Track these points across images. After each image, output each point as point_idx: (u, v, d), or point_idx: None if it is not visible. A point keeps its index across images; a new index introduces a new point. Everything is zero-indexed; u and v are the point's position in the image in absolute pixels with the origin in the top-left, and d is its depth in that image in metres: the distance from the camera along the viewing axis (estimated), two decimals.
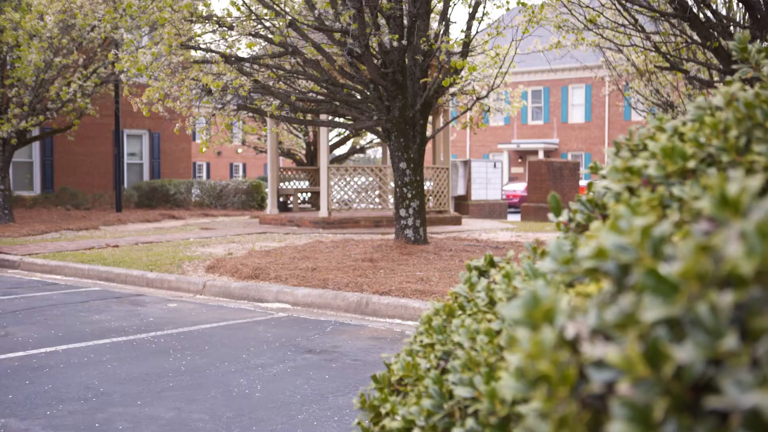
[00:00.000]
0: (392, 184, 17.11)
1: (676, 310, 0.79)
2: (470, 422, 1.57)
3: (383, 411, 2.02)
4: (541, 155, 44.01)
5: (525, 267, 1.75)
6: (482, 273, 2.33)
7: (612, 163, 1.77)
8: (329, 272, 8.77)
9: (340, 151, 27.48)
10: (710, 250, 0.81)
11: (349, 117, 10.60)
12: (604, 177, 1.97)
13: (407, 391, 2.04)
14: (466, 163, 23.26)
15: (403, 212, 10.74)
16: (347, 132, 24.56)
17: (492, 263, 2.33)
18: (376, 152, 56.68)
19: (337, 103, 10.23)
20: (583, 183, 25.25)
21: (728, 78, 1.81)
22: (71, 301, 8.20)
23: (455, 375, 1.71)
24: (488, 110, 11.68)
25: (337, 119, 12.44)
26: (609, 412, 0.84)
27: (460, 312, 2.07)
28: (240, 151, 54.42)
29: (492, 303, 1.97)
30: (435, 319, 2.12)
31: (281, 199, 19.09)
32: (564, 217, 1.84)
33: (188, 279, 9.08)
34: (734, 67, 1.93)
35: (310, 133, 24.24)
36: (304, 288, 8.14)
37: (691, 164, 1.40)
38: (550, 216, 1.88)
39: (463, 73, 10.46)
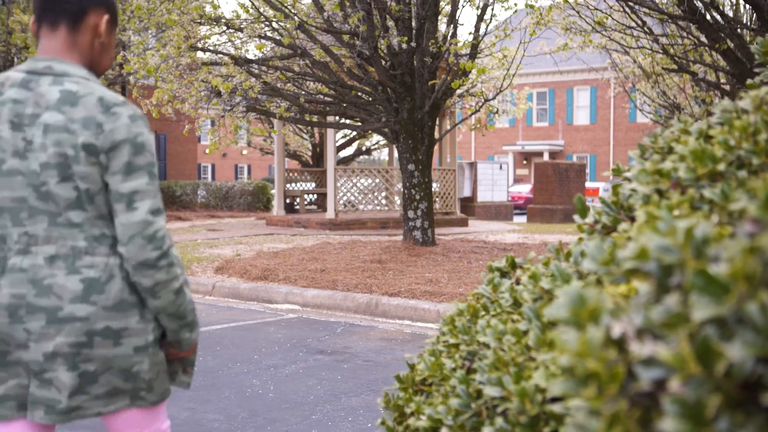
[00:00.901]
0: (398, 186, 17.13)
1: (726, 309, 0.81)
2: (499, 421, 1.59)
3: (408, 411, 2.04)
4: (546, 157, 44.01)
5: (552, 268, 1.77)
6: (504, 274, 2.35)
7: (639, 165, 1.79)
8: (338, 273, 8.79)
9: (345, 153, 27.54)
10: (758, 251, 0.83)
11: (358, 119, 10.63)
12: (626, 179, 1.99)
13: (431, 391, 2.06)
14: (472, 165, 23.28)
15: (411, 214, 10.76)
16: (353, 134, 24.61)
17: (513, 265, 2.35)
18: (381, 154, 56.78)
19: (345, 105, 10.26)
20: (589, 185, 25.25)
21: (749, 81, 1.82)
22: None
23: (483, 375, 1.73)
24: (497, 112, 11.70)
25: (345, 121, 12.47)
26: (658, 408, 0.86)
27: (483, 313, 2.09)
28: (245, 152, 54.57)
29: (516, 304, 1.99)
30: (458, 319, 2.14)
31: (287, 201, 19.13)
32: (589, 218, 1.86)
33: (197, 280, 9.11)
34: (756, 69, 1.94)
35: (316, 135, 24.29)
36: (314, 289, 8.17)
37: (721, 167, 1.42)
38: (576, 218, 1.90)
39: (472, 75, 10.48)
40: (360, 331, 6.69)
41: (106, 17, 1.93)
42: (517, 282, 2.23)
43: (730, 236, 1.17)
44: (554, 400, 1.59)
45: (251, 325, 7.00)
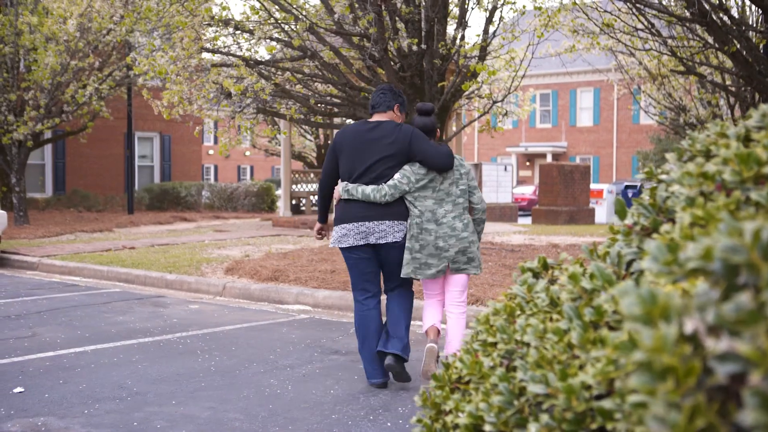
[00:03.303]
0: None
1: None
2: (545, 418, 1.63)
3: (446, 408, 2.07)
4: (549, 158, 44.03)
5: (593, 269, 1.80)
6: (536, 274, 2.39)
7: (679, 168, 1.82)
8: (348, 274, 8.82)
9: None
10: None
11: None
12: (660, 181, 2.03)
13: (468, 389, 2.09)
14: (477, 167, 23.31)
15: None
16: None
17: (545, 265, 2.39)
18: None
19: (355, 107, 10.29)
20: (593, 186, 25.24)
21: None
22: (93, 302, 8.28)
23: (525, 372, 1.77)
24: (506, 114, 11.74)
25: (353, 122, 12.50)
26: (735, 401, 0.90)
27: (519, 312, 2.13)
28: (248, 153, 54.60)
29: (553, 303, 2.03)
30: (494, 319, 2.18)
31: (293, 202, 19.17)
32: (629, 220, 1.89)
33: (208, 281, 9.15)
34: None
35: (321, 136, 24.33)
36: (325, 290, 8.20)
37: (767, 170, 1.46)
38: (615, 219, 1.94)
39: (481, 77, 10.51)
40: None
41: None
42: (552, 282, 2.27)
43: None
44: (599, 397, 1.63)
45: (264, 325, 7.04)
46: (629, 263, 1.88)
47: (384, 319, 5.14)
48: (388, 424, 4.14)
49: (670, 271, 1.15)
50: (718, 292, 1.01)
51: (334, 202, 5.05)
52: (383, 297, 5.56)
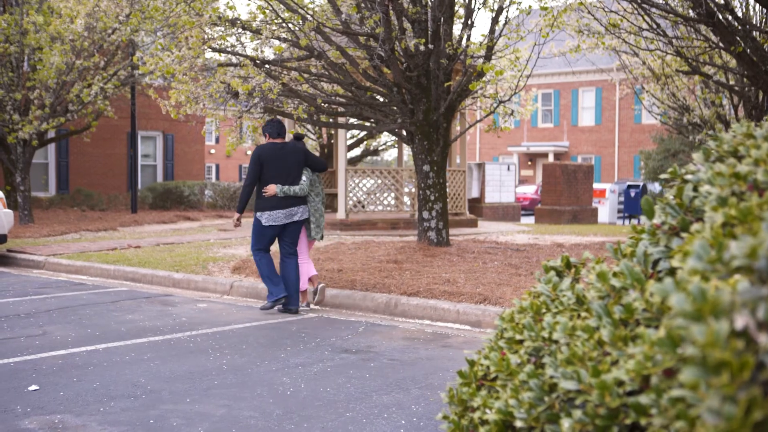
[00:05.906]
0: (408, 187, 17.19)
1: None
2: (578, 414, 1.66)
3: (474, 405, 2.10)
4: (551, 158, 44.05)
5: (622, 267, 1.83)
6: (559, 273, 2.42)
7: (707, 168, 1.85)
8: (355, 273, 8.86)
9: (352, 153, 27.58)
10: None
11: (373, 120, 10.70)
12: (686, 181, 2.06)
13: (494, 386, 2.12)
14: (480, 166, 23.34)
15: (426, 214, 10.82)
16: (361, 134, 24.68)
17: (568, 264, 2.41)
18: (385, 154, 56.72)
19: (361, 106, 10.32)
20: (596, 186, 25.28)
21: None
22: (101, 301, 8.31)
23: (555, 369, 1.79)
24: (512, 113, 11.78)
25: (358, 121, 12.54)
26: None
27: (544, 310, 2.16)
28: (249, 152, 54.57)
29: (579, 301, 2.06)
30: (520, 317, 2.20)
31: None
32: (657, 219, 1.92)
33: (215, 280, 9.18)
34: None
35: (324, 136, 24.36)
36: (333, 289, 8.23)
37: None
38: (642, 218, 1.97)
39: (488, 77, 10.55)
40: (382, 331, 6.76)
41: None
42: (575, 280, 2.30)
43: None
44: (632, 393, 1.65)
45: (273, 324, 7.07)
46: (655, 262, 1.91)
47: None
48: (402, 421, 4.17)
49: (714, 269, 1.18)
50: (766, 289, 1.04)
51: (266, 195, 7.40)
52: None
